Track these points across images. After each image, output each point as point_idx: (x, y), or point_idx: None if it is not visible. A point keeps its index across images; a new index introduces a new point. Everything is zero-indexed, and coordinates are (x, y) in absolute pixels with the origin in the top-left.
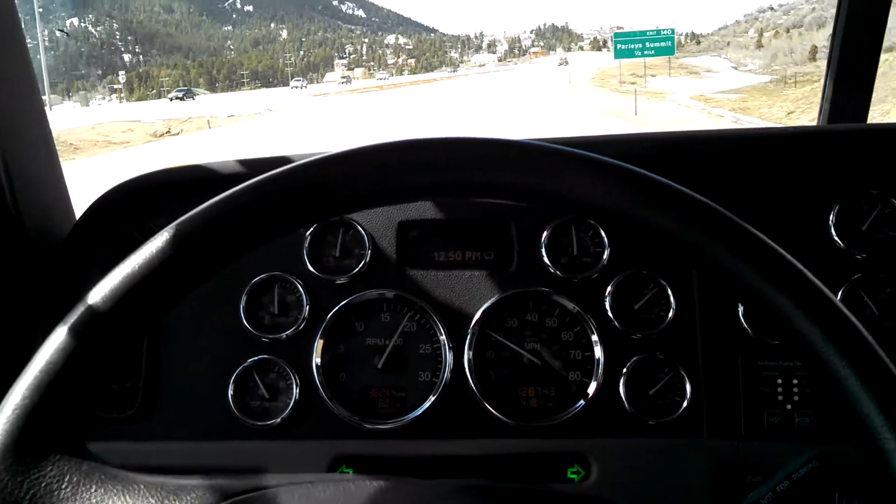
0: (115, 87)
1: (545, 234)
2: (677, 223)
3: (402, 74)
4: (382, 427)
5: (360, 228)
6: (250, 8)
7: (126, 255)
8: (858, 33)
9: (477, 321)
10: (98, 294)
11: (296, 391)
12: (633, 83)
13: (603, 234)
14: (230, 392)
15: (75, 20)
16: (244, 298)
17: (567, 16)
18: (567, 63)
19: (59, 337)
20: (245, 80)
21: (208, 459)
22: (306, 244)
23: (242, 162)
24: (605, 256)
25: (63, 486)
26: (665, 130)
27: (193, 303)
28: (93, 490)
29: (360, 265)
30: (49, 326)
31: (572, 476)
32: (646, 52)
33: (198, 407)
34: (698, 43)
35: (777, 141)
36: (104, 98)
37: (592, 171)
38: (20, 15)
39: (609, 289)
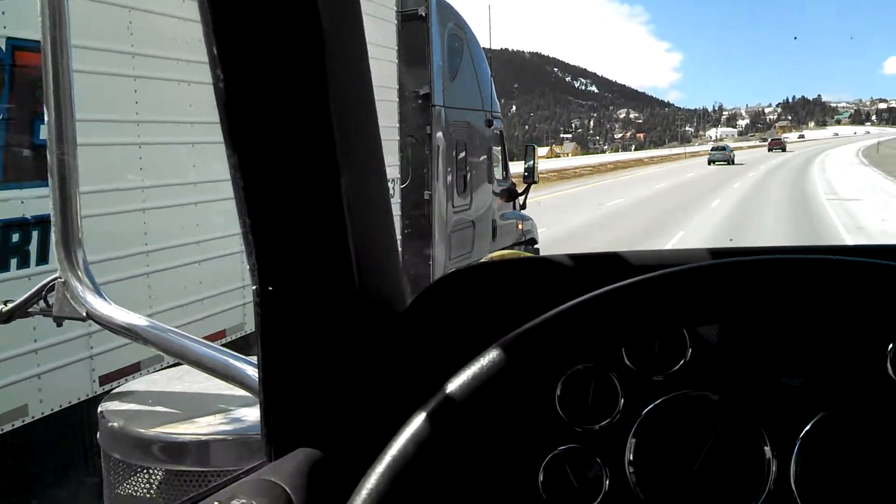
0: None
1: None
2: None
3: (626, 151)
4: None
5: None
6: None
7: (469, 340)
8: None
9: (806, 433)
10: (454, 385)
11: (606, 484)
12: None
13: None
14: (540, 478)
15: None
16: (559, 386)
17: (819, 87)
18: None
19: (415, 425)
20: None
21: None
22: None
23: (572, 256)
24: None
25: None
26: None
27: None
28: None
29: (679, 364)
30: (388, 407)
31: None
32: None
33: (506, 493)
34: None
35: None
36: None
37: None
38: None
39: None
